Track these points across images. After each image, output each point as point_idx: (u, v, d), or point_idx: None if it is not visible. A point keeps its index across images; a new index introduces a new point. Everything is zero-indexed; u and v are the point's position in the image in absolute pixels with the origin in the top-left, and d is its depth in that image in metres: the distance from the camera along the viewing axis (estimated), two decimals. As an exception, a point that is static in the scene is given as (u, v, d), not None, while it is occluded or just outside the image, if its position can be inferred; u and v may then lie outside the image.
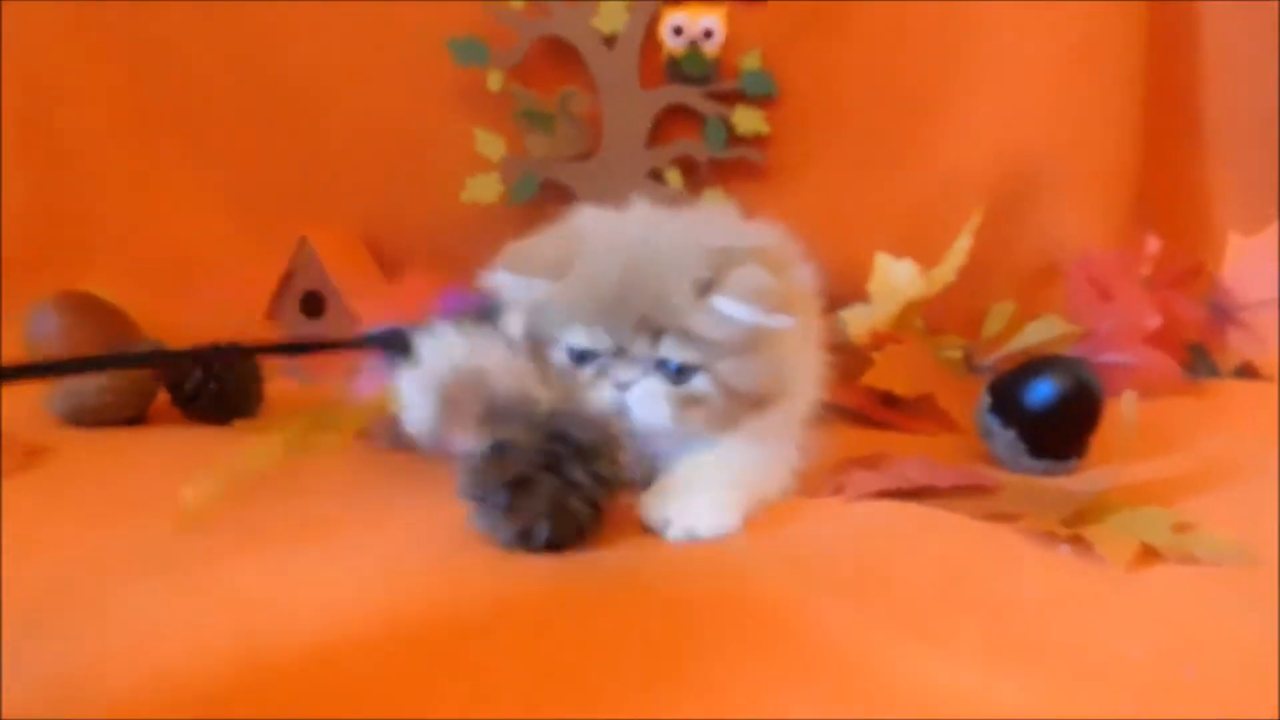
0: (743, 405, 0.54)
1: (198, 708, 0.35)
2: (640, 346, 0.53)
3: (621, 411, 0.53)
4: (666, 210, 0.59)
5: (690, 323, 0.53)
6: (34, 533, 0.52)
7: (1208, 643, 0.40)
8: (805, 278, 0.58)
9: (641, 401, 0.53)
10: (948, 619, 0.42)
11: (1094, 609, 0.43)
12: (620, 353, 0.54)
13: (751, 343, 0.53)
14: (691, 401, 0.54)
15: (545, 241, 0.57)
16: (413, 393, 0.53)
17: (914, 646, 0.39)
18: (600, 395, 0.54)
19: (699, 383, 0.54)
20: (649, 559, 0.48)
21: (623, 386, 0.54)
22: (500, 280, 0.57)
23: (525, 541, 0.48)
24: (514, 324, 0.58)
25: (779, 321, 0.53)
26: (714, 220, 0.61)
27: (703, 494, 0.53)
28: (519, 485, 0.48)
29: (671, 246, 0.54)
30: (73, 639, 0.39)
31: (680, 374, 0.53)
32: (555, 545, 0.48)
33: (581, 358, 0.55)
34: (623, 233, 0.56)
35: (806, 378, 0.59)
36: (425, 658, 0.38)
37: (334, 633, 0.40)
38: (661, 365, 0.53)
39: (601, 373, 0.54)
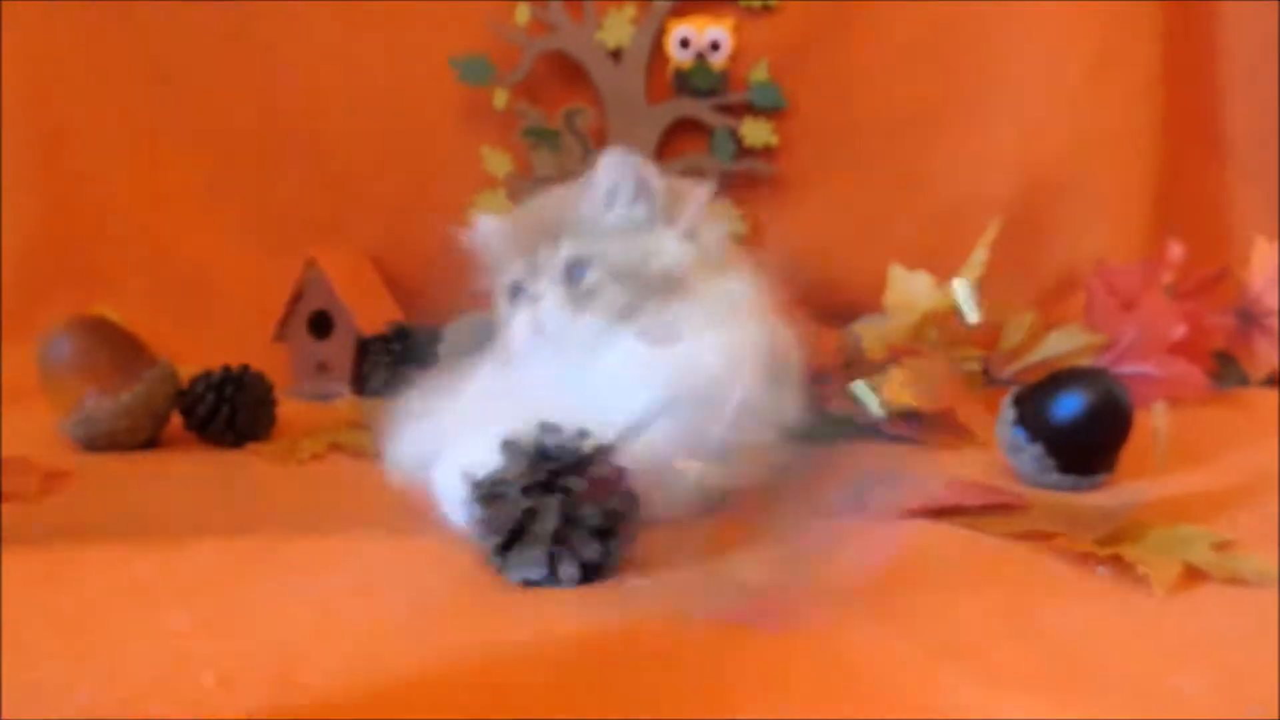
0: (637, 291, 0.57)
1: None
2: (546, 256, 0.58)
3: (537, 328, 0.58)
4: None
5: (580, 216, 0.58)
6: (58, 561, 0.52)
7: (1265, 673, 0.39)
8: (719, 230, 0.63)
9: (546, 309, 0.57)
10: (990, 646, 0.41)
11: (1141, 635, 0.42)
12: (534, 271, 0.59)
13: (636, 226, 0.59)
14: (586, 295, 0.57)
15: None
16: (449, 487, 0.54)
17: (957, 675, 0.38)
18: (521, 319, 0.58)
19: (591, 276, 0.57)
20: (681, 584, 0.47)
21: (534, 299, 0.58)
22: (478, 225, 0.63)
23: (555, 573, 0.47)
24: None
25: (645, 176, 0.59)
26: None
27: None
28: (526, 520, 0.48)
29: (574, 187, 0.61)
30: (103, 670, 0.39)
31: (576, 275, 0.58)
32: (590, 570, 0.47)
33: (515, 294, 0.60)
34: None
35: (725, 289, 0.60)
36: (455, 690, 0.38)
37: (364, 661, 0.40)
38: (568, 273, 0.58)
39: (524, 298, 0.59)
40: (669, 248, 0.59)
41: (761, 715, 0.36)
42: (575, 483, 0.48)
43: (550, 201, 0.62)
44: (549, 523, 0.47)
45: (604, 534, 0.48)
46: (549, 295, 0.58)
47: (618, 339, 0.57)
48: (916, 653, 0.40)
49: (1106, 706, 0.36)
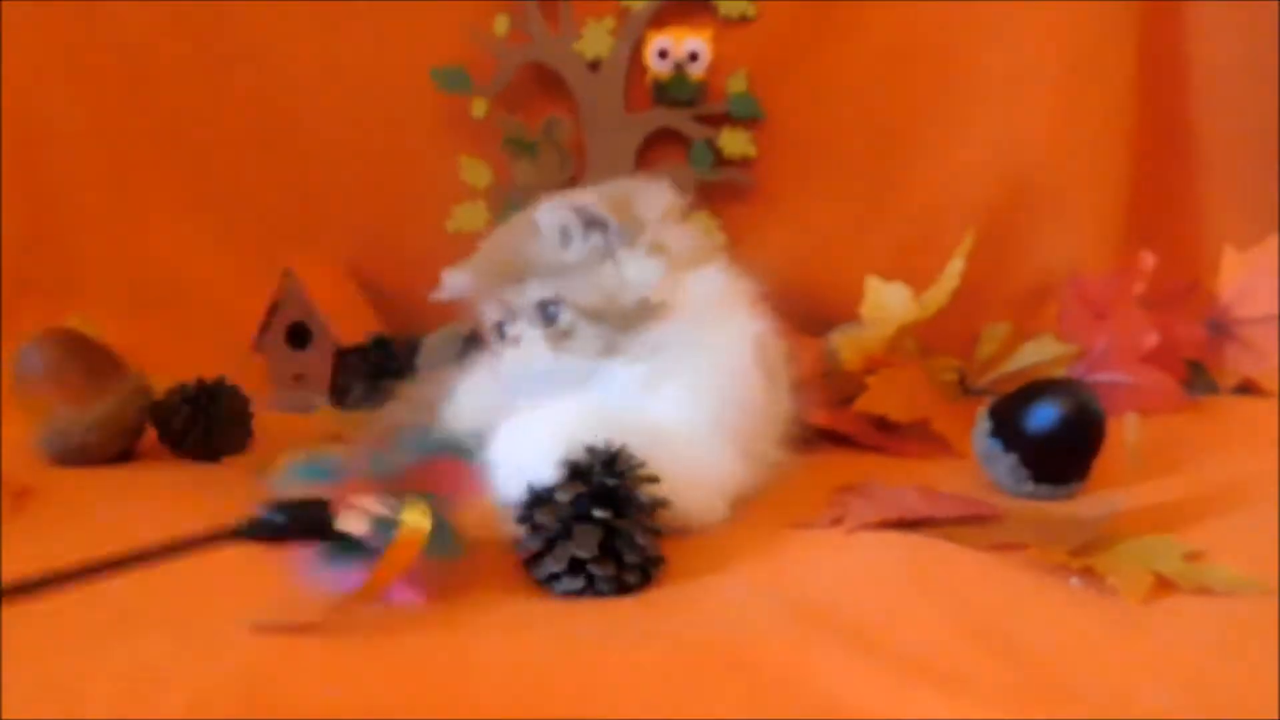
0: (611, 325, 0.58)
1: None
2: (517, 298, 0.59)
3: (525, 370, 0.58)
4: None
5: (540, 257, 0.58)
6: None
7: (1234, 682, 0.39)
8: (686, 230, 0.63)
9: (526, 350, 0.58)
10: (961, 662, 0.41)
11: (1113, 646, 0.42)
12: (510, 313, 0.59)
13: (597, 258, 0.58)
14: (565, 335, 0.58)
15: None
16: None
17: (928, 688, 0.38)
18: (512, 359, 0.59)
19: (565, 317, 0.58)
20: (651, 603, 0.47)
21: (515, 342, 0.59)
22: (446, 282, 0.64)
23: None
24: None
25: (589, 210, 0.58)
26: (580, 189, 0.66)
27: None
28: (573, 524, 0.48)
29: (528, 214, 0.61)
30: (69, 695, 0.39)
31: (549, 315, 0.58)
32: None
33: (500, 334, 0.61)
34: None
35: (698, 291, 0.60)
36: (429, 703, 0.38)
37: (340, 680, 0.39)
38: (541, 312, 0.58)
39: (508, 339, 0.60)
40: (634, 274, 0.58)
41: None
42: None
43: (506, 242, 0.62)
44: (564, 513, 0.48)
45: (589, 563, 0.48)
46: (528, 338, 0.58)
47: (609, 372, 0.58)
48: (886, 665, 0.40)
49: (1077, 716, 0.36)
